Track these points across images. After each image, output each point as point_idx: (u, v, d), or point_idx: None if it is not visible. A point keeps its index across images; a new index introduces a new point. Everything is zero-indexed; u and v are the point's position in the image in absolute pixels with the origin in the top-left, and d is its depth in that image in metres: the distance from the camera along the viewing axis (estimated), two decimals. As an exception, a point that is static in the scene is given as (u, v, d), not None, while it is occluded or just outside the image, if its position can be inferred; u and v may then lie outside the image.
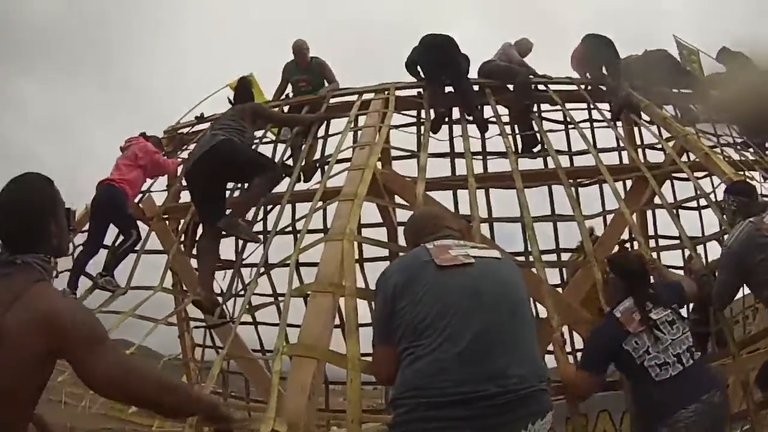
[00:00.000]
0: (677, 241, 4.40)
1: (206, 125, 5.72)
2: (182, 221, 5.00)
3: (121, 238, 4.54)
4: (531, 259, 3.94)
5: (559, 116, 5.74)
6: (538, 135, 5.05)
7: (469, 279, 1.78)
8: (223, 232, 3.86)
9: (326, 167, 4.52)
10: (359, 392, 2.41)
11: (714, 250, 5.61)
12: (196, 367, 6.44)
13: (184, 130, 5.71)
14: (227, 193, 4.30)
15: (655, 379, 2.35)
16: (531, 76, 5.42)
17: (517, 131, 5.29)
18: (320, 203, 4.00)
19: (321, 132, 5.17)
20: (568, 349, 5.20)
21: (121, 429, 10.49)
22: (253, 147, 4.43)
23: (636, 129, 5.97)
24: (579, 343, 5.32)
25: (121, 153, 4.92)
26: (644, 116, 5.28)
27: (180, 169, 5.11)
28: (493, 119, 5.02)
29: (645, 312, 2.46)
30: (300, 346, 2.49)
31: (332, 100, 5.31)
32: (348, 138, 4.54)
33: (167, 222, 5.30)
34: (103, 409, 12.15)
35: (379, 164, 4.84)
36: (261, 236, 4.38)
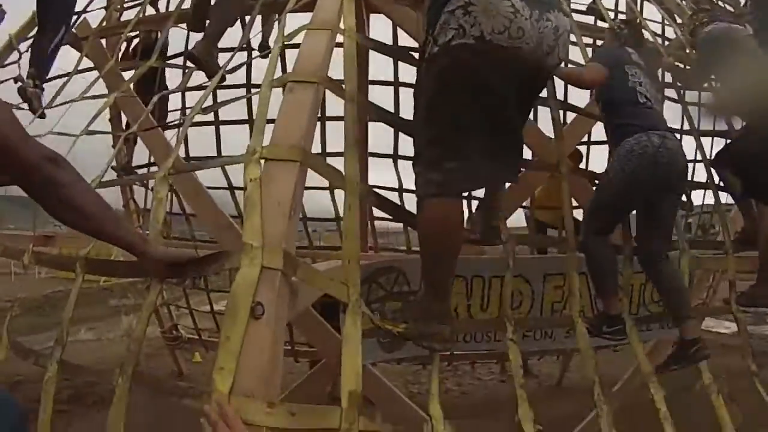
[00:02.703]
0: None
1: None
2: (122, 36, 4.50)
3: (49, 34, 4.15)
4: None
5: None
6: None
7: None
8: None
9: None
10: (358, 225, 1.86)
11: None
12: (135, 209, 5.91)
13: None
14: None
15: (638, 101, 2.63)
16: None
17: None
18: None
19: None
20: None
21: (69, 290, 10.47)
22: None
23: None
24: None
25: None
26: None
27: None
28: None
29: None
30: (280, 148, 1.80)
31: None
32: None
33: (104, 41, 4.79)
34: (51, 273, 11.96)
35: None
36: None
